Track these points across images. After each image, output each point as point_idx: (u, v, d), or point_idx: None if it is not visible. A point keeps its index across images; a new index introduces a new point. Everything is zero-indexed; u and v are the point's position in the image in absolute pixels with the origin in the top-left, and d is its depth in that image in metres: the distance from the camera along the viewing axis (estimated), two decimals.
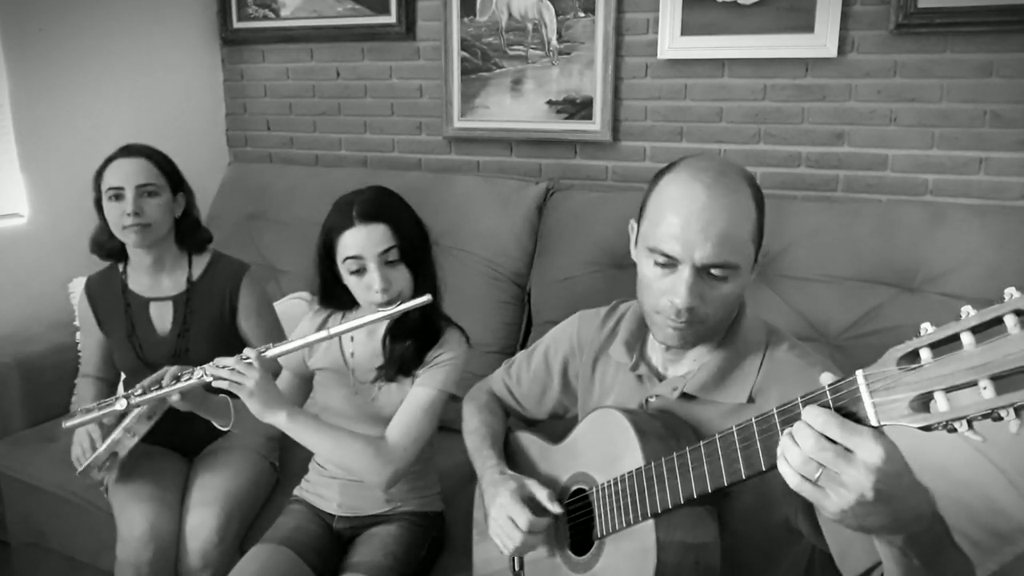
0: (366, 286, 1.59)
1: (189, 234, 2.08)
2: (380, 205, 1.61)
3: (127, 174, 1.94)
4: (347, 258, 1.59)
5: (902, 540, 0.90)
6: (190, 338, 2.02)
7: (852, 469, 0.82)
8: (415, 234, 1.64)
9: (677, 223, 1.13)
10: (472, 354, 1.75)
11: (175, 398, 1.61)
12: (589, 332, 1.47)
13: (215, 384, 1.56)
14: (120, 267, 2.08)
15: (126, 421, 1.74)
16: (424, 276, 1.64)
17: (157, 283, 2.05)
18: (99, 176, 1.96)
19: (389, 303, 1.57)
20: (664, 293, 1.16)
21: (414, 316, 1.62)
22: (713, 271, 1.13)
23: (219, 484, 1.93)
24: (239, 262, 2.11)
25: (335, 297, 1.71)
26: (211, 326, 2.03)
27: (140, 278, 2.06)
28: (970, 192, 2.25)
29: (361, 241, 1.57)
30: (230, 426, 1.69)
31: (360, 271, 1.59)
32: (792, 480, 0.87)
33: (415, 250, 1.63)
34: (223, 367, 1.55)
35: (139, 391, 1.65)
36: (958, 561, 1.00)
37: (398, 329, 1.67)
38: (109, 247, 2.04)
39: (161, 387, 1.62)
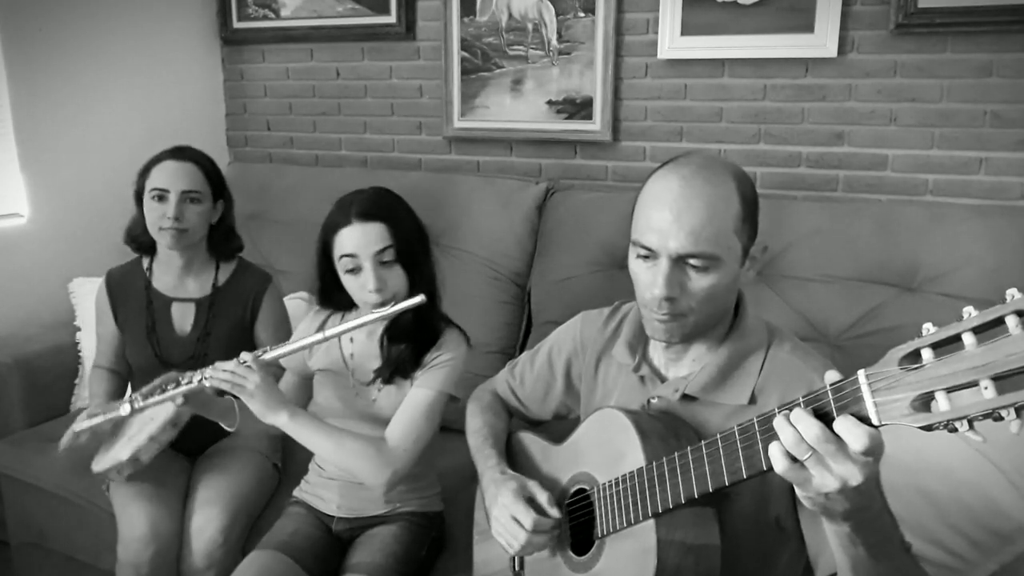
0: (360, 285, 1.60)
1: (222, 241, 2.09)
2: (379, 204, 1.62)
3: (174, 177, 1.95)
4: (343, 256, 1.60)
5: (850, 526, 0.95)
6: (210, 342, 2.02)
7: (848, 460, 0.85)
8: (413, 236, 1.64)
9: (654, 215, 1.16)
10: (472, 354, 1.75)
11: (179, 401, 1.62)
12: (592, 332, 1.47)
13: (216, 386, 1.58)
14: (146, 263, 2.09)
15: (153, 431, 1.74)
16: (420, 278, 1.64)
17: (182, 284, 2.06)
18: (145, 172, 1.97)
19: (384, 303, 1.57)
20: (648, 286, 1.18)
21: (409, 318, 1.63)
22: (691, 261, 1.14)
23: (223, 485, 1.93)
24: (264, 272, 2.13)
25: (334, 297, 1.72)
26: (231, 332, 2.04)
27: (165, 277, 2.07)
28: (970, 192, 2.25)
29: (357, 239, 1.58)
30: (236, 426, 1.70)
31: (355, 270, 1.60)
32: (776, 451, 0.90)
33: (412, 251, 1.63)
34: (223, 371, 1.56)
35: (141, 397, 1.67)
36: (906, 563, 1.05)
37: (395, 331, 1.67)
38: (141, 241, 2.05)
39: (165, 391, 1.64)
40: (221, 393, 1.63)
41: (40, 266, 2.63)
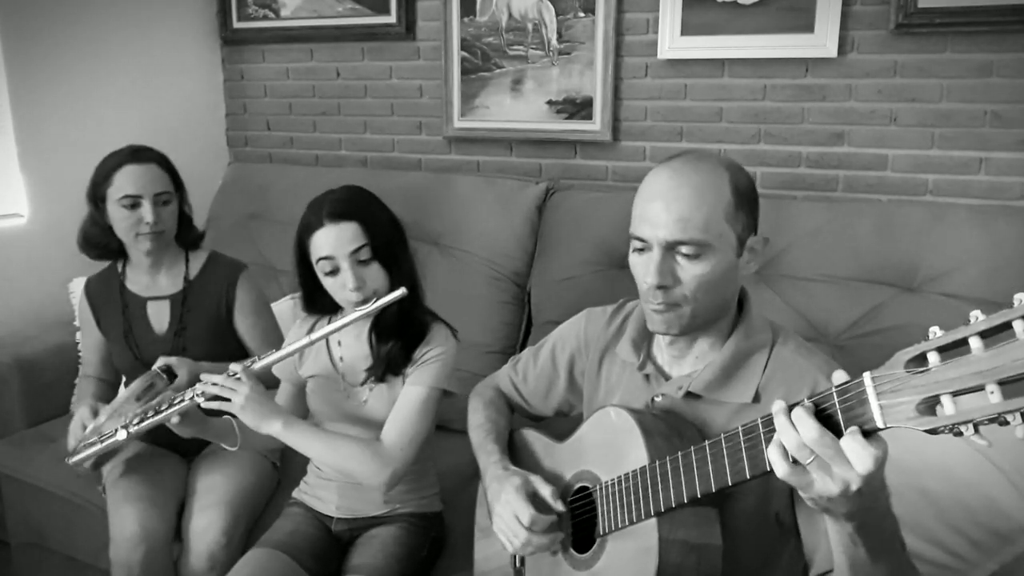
0: (340, 285, 1.60)
1: (185, 233, 2.07)
2: (350, 203, 1.61)
3: (144, 183, 1.92)
4: (320, 259, 1.59)
5: (853, 527, 0.96)
6: (187, 337, 2.02)
7: (848, 465, 0.85)
8: (388, 231, 1.64)
9: (646, 207, 1.18)
10: (472, 354, 1.76)
11: (174, 420, 1.60)
12: (596, 330, 1.47)
13: (206, 404, 1.57)
14: (119, 267, 2.08)
15: (116, 404, 1.74)
16: (399, 273, 1.63)
17: (154, 282, 2.05)
18: (107, 178, 1.93)
19: (365, 301, 1.58)
20: (643, 276, 1.20)
21: (394, 313, 1.63)
22: (681, 249, 1.16)
23: (224, 486, 1.92)
24: (236, 261, 2.11)
25: (318, 302, 1.71)
26: (208, 325, 2.03)
27: (138, 277, 2.06)
28: (970, 192, 2.26)
29: (332, 241, 1.57)
30: (238, 446, 1.70)
31: (334, 271, 1.59)
32: (776, 454, 0.91)
33: (389, 248, 1.62)
34: (213, 384, 1.56)
35: (136, 419, 1.65)
36: (903, 562, 1.06)
37: (382, 328, 1.67)
38: (104, 246, 2.02)
39: (159, 412, 1.62)
40: (218, 414, 1.63)
41: (40, 266, 2.63)
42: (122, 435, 1.66)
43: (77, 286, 2.53)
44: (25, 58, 2.57)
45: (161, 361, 1.79)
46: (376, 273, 1.61)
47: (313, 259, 1.61)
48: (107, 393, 2.12)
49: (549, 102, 2.69)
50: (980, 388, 0.72)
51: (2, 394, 2.38)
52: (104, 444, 1.71)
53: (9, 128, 2.55)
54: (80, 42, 2.73)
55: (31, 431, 2.37)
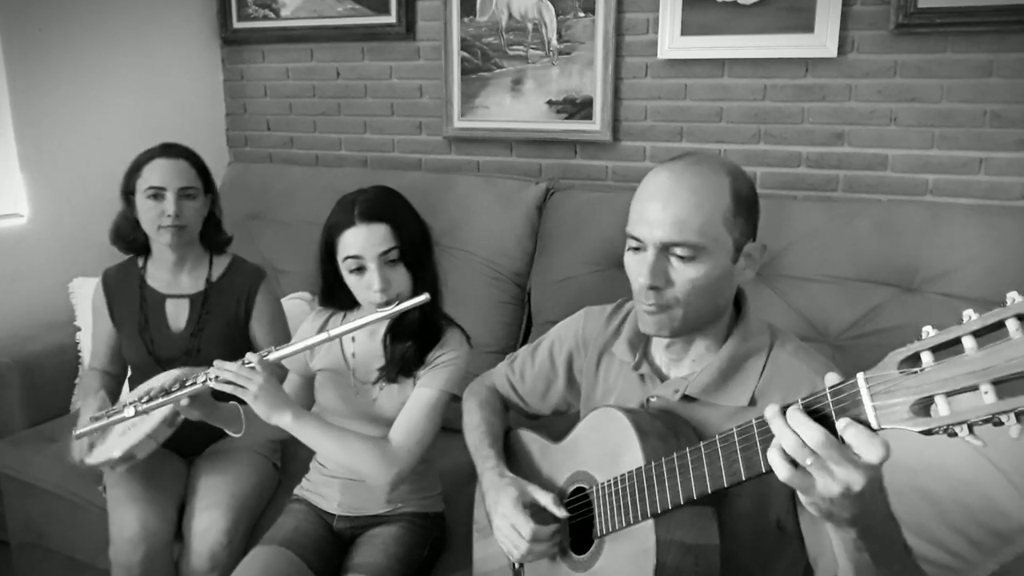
0: (365, 285, 1.60)
1: (212, 235, 2.09)
2: (382, 205, 1.62)
3: (170, 175, 1.95)
4: (347, 257, 1.60)
5: (856, 532, 0.95)
6: (203, 337, 2.02)
7: (850, 464, 0.85)
8: (416, 235, 1.64)
9: (643, 207, 1.18)
10: (472, 354, 1.75)
11: (184, 403, 1.61)
12: (594, 328, 1.47)
13: (220, 388, 1.57)
14: (140, 261, 2.09)
15: (149, 428, 1.72)
16: (424, 277, 1.64)
17: (176, 280, 2.06)
18: (136, 171, 1.97)
19: (388, 303, 1.58)
20: (635, 276, 1.20)
21: (414, 316, 1.63)
22: (676, 251, 1.15)
23: (225, 486, 1.93)
24: (258, 267, 2.13)
25: (336, 297, 1.72)
26: (225, 327, 2.04)
27: (160, 274, 2.07)
28: (970, 192, 2.25)
29: (361, 241, 1.58)
30: (242, 432, 1.69)
31: (360, 270, 1.60)
32: (776, 457, 0.90)
33: (416, 251, 1.63)
34: (226, 371, 1.56)
35: (145, 398, 1.65)
36: (908, 565, 1.05)
37: (398, 329, 1.67)
38: (132, 240, 2.05)
39: (169, 393, 1.62)
40: (225, 399, 1.63)
41: (40, 266, 2.63)
42: (130, 412, 1.66)
43: (77, 286, 2.53)
44: (25, 58, 2.57)
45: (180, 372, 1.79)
46: (402, 276, 1.61)
47: (340, 257, 1.62)
48: (113, 387, 2.12)
49: (549, 102, 2.69)
50: (974, 388, 0.71)
51: (2, 394, 2.38)
52: (110, 419, 1.71)
53: (9, 128, 2.55)
54: (80, 42, 2.73)
55: (31, 431, 2.37)
